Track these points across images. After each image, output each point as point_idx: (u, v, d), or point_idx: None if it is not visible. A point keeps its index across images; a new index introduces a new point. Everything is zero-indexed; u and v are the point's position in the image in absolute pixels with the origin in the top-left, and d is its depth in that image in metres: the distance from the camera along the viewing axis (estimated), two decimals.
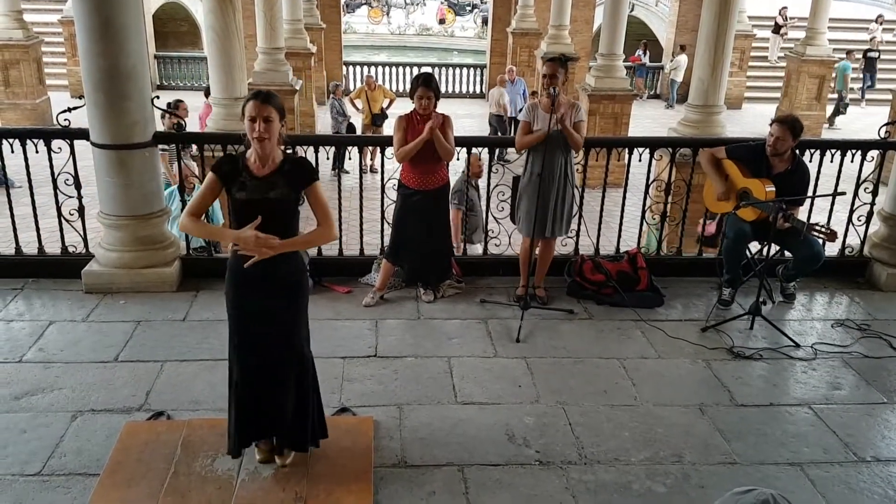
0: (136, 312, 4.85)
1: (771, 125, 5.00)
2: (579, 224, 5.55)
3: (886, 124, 5.71)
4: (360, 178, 5.63)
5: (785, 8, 20.99)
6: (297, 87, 12.84)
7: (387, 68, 20.95)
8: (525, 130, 5.03)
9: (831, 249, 5.66)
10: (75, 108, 4.98)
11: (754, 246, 5.31)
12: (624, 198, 5.65)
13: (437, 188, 5.10)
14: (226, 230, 3.08)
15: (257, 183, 3.07)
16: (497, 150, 10.79)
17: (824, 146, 5.64)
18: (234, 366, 3.27)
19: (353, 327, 4.80)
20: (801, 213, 5.14)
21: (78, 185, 5.17)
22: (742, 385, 4.32)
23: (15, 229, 5.39)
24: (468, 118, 16.85)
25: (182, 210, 5.51)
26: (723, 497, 1.89)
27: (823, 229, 4.74)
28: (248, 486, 3.31)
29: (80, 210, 5.23)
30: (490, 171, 5.76)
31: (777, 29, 20.81)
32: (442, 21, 34.48)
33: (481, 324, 4.91)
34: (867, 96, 19.51)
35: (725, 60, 7.92)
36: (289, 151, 3.30)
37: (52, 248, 5.43)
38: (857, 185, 5.61)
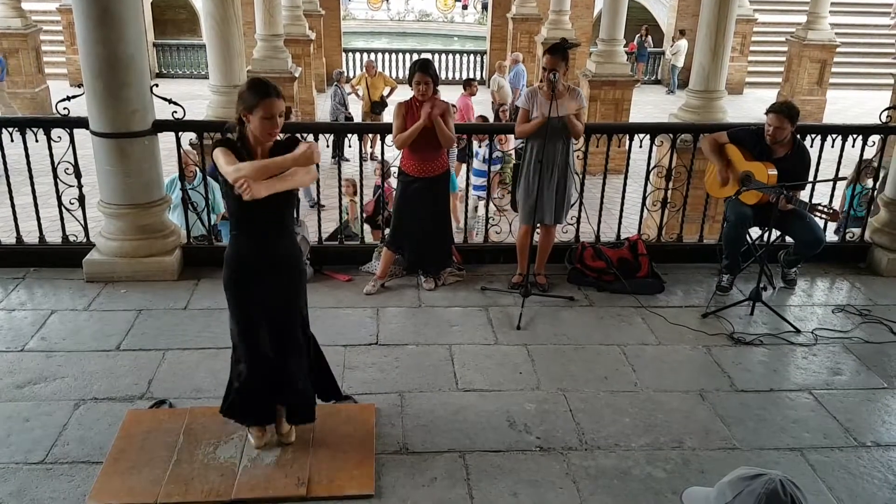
0: (137, 301, 4.86)
1: (767, 115, 4.97)
2: (580, 211, 5.55)
3: (887, 109, 5.69)
4: (360, 166, 5.63)
5: None
6: (297, 75, 12.79)
7: (386, 55, 20.85)
8: (524, 118, 5.01)
9: (832, 235, 5.66)
10: (74, 97, 4.97)
11: (755, 231, 5.30)
12: (625, 184, 5.64)
13: (437, 175, 5.09)
14: (291, 155, 3.03)
15: None
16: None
17: (825, 131, 5.63)
18: (241, 352, 3.34)
19: (354, 315, 4.80)
20: (803, 197, 5.13)
21: (78, 174, 5.17)
22: (742, 371, 4.33)
23: (16, 218, 5.39)
24: None
25: (182, 198, 5.54)
26: (729, 477, 1.88)
27: (826, 209, 4.74)
28: (250, 473, 3.33)
29: (81, 199, 5.23)
30: (490, 158, 5.75)
31: None
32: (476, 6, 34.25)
33: (482, 311, 4.91)
34: None
35: (727, 45, 7.87)
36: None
37: (53, 237, 5.44)
38: (859, 171, 5.59)
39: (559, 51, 4.84)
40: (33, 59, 14.98)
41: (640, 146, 5.68)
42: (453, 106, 10.38)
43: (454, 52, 21.84)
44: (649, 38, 20.99)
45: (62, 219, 5.31)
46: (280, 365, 3.33)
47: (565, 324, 4.79)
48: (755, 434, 3.76)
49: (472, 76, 20.71)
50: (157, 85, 5.16)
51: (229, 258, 3.25)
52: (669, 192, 5.75)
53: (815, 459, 3.59)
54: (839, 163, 5.43)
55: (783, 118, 4.87)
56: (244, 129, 3.12)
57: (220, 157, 3.02)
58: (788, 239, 5.32)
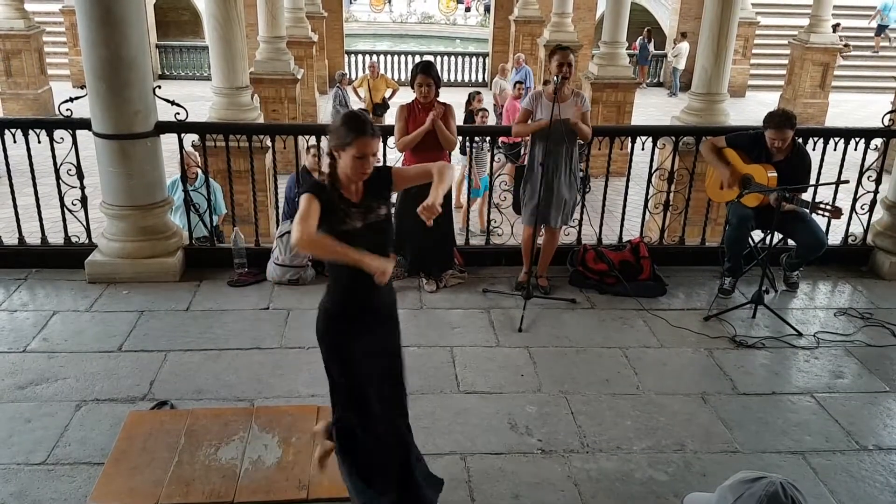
0: (139, 302, 4.86)
1: (767, 130, 4.90)
2: (582, 213, 5.55)
3: (890, 112, 5.69)
4: None
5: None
6: (299, 77, 12.79)
7: (388, 57, 20.86)
8: (525, 117, 5.02)
9: (834, 237, 5.66)
10: (77, 98, 4.98)
11: (757, 235, 5.30)
12: (627, 187, 5.65)
13: None
14: (360, 254, 2.65)
15: (360, 210, 2.87)
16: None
17: (827, 134, 5.62)
18: (353, 419, 2.97)
19: None
20: (805, 197, 5.11)
21: (80, 175, 5.17)
22: (744, 374, 4.32)
23: (18, 219, 5.39)
24: None
25: (184, 200, 5.55)
26: (730, 481, 1.88)
27: (828, 207, 4.73)
28: (251, 475, 3.33)
29: (83, 200, 5.24)
30: (492, 160, 5.75)
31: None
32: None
33: (484, 313, 4.91)
34: None
35: (729, 48, 7.86)
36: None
37: (56, 238, 5.44)
38: (861, 174, 5.59)
39: (568, 48, 4.95)
40: (36, 61, 14.97)
41: (643, 149, 5.68)
42: (483, 110, 10.43)
43: (456, 55, 21.84)
44: (651, 41, 20.98)
45: (64, 220, 5.32)
46: (397, 432, 3.01)
47: (567, 326, 4.79)
48: (757, 437, 3.76)
49: (474, 78, 20.84)
50: (159, 86, 5.17)
51: (332, 310, 2.93)
52: (671, 194, 5.75)
53: (817, 463, 3.58)
54: (841, 166, 5.42)
55: (786, 129, 4.83)
56: (335, 165, 2.83)
57: (301, 205, 2.74)
58: (791, 242, 5.32)
